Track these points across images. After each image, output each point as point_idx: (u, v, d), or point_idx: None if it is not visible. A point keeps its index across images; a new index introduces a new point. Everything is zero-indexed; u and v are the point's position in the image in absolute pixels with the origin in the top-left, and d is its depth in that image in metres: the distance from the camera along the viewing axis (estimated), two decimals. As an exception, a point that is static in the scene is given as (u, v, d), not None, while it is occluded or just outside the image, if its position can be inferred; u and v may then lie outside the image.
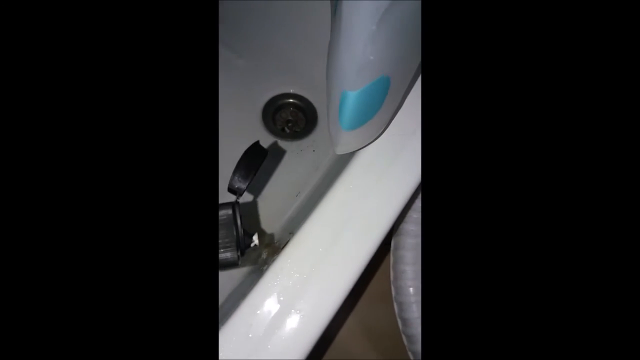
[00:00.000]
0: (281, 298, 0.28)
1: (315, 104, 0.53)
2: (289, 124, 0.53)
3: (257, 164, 0.27)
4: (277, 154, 0.50)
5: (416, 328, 0.39)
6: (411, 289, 0.40)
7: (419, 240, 0.42)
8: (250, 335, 0.27)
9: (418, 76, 0.35)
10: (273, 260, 0.30)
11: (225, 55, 0.52)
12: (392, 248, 0.43)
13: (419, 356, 0.39)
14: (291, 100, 0.53)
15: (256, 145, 0.28)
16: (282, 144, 0.50)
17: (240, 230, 0.25)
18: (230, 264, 0.25)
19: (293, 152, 0.51)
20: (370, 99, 0.23)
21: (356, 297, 0.55)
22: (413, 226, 0.42)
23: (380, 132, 0.31)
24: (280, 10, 0.49)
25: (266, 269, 0.30)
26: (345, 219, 0.31)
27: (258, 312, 0.28)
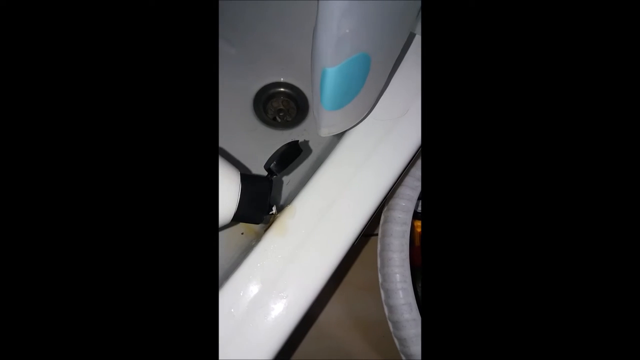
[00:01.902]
0: (263, 280, 0.28)
1: (307, 93, 0.53)
2: (281, 113, 0.53)
3: (293, 157, 0.34)
4: (267, 143, 0.50)
5: (402, 314, 0.39)
6: (397, 276, 0.41)
7: (405, 227, 0.42)
8: (233, 315, 0.28)
9: (402, 58, 0.35)
10: (256, 244, 0.30)
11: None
12: (379, 235, 0.44)
13: (405, 342, 0.39)
14: (282, 90, 0.53)
15: (296, 143, 0.35)
16: (274, 132, 0.51)
17: (270, 199, 0.34)
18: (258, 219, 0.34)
19: (284, 141, 0.51)
20: (350, 76, 0.23)
21: (346, 286, 0.55)
22: (400, 213, 0.43)
23: (365, 114, 0.31)
24: (272, 1, 0.49)
25: (250, 252, 0.30)
26: (328, 203, 0.31)
27: (241, 293, 0.28)
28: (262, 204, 0.32)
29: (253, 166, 0.47)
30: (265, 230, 0.31)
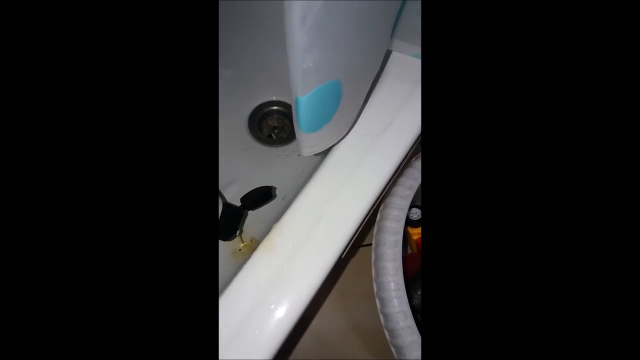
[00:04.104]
0: (252, 296, 0.30)
1: (299, 110, 0.55)
2: (276, 130, 0.55)
3: (266, 201, 0.42)
4: (264, 160, 0.52)
5: (397, 322, 0.40)
6: (392, 284, 0.41)
7: (397, 237, 0.43)
8: (223, 331, 0.29)
9: (380, 74, 0.37)
10: (249, 257, 0.32)
11: (212, 68, 0.55)
12: (373, 245, 0.45)
13: (401, 350, 0.40)
14: (276, 108, 0.55)
15: (270, 189, 0.43)
16: (269, 150, 0.52)
17: (238, 226, 0.42)
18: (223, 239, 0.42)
19: (279, 157, 0.53)
20: (321, 102, 0.25)
21: (345, 296, 0.56)
22: (393, 223, 0.43)
23: (344, 132, 0.33)
24: (264, 24, 0.52)
25: (240, 269, 0.31)
26: (315, 219, 0.32)
27: (230, 310, 0.30)
28: (231, 228, 0.41)
29: (249, 184, 0.49)
30: (255, 248, 0.33)
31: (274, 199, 0.44)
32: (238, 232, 0.43)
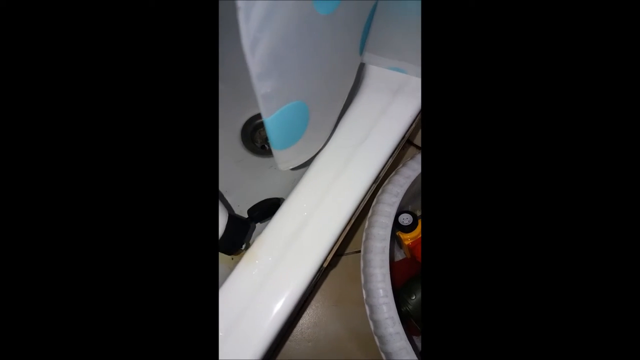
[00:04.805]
0: (234, 306, 0.31)
1: (290, 121, 0.56)
2: (268, 141, 0.56)
3: (273, 213, 0.39)
4: (256, 170, 0.54)
5: (386, 328, 0.41)
6: (380, 291, 0.42)
7: (385, 243, 0.43)
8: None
9: (354, 93, 0.38)
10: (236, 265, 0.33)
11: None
12: (362, 252, 0.45)
13: (390, 356, 0.41)
14: (268, 119, 0.56)
15: (279, 200, 0.41)
16: (262, 160, 0.54)
17: (247, 239, 0.41)
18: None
19: (272, 167, 0.54)
20: (287, 122, 0.26)
21: (343, 303, 0.57)
22: (380, 230, 0.44)
23: (319, 148, 0.34)
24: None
25: (224, 281, 0.33)
26: (295, 230, 0.34)
27: (222, 310, 0.31)
28: (237, 242, 0.39)
29: (242, 196, 0.51)
30: (237, 260, 0.34)
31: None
32: (244, 246, 0.40)
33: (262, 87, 0.22)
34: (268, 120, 0.25)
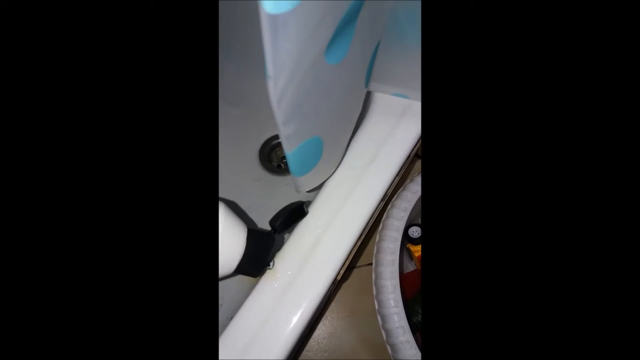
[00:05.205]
0: (255, 326, 0.35)
1: (304, 141, 0.60)
2: (284, 160, 0.60)
3: (298, 219, 0.36)
4: (273, 189, 0.58)
5: (397, 337, 0.44)
6: (391, 302, 0.45)
7: (394, 256, 0.47)
8: (233, 349, 0.34)
9: (362, 119, 0.41)
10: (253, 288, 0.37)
11: (223, 108, 0.62)
12: (373, 265, 0.49)
13: (402, 363, 0.44)
14: (283, 140, 0.61)
15: (302, 205, 0.37)
16: (278, 179, 0.58)
17: (270, 255, 0.36)
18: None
19: (287, 185, 0.58)
20: (305, 154, 0.30)
21: (356, 313, 0.60)
22: (390, 243, 0.47)
23: (331, 172, 0.38)
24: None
25: (247, 298, 0.36)
26: (311, 245, 0.37)
27: (236, 338, 0.34)
28: (262, 259, 0.35)
29: (261, 214, 0.54)
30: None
31: (307, 214, 0.37)
32: (272, 264, 0.36)
33: (286, 130, 0.26)
34: (289, 154, 0.28)
